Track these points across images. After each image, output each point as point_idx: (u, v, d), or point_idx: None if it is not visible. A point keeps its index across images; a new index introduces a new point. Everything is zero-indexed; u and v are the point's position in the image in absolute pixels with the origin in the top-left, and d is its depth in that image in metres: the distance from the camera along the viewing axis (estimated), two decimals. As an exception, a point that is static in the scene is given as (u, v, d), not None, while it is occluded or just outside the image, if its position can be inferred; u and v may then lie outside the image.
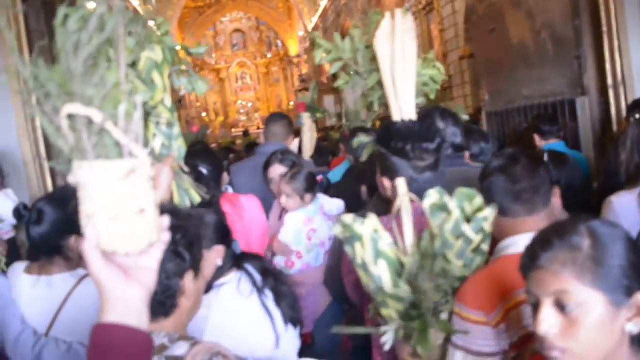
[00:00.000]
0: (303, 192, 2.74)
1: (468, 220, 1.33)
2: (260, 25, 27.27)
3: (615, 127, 3.62)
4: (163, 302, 1.23)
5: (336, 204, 2.87)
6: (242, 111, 26.85)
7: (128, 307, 0.77)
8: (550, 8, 4.19)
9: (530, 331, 1.33)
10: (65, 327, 1.83)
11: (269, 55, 27.60)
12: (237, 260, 1.83)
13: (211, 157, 2.68)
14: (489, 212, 1.32)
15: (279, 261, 2.79)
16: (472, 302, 1.42)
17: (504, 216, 1.48)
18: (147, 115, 1.57)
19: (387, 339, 1.41)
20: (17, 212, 1.98)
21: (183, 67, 1.78)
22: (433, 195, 1.35)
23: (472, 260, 1.39)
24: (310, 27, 21.22)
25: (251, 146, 6.90)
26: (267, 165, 2.96)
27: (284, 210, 2.90)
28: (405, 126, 1.72)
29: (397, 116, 1.78)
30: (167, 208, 1.17)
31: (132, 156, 0.74)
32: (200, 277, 1.33)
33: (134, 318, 0.77)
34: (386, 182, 1.73)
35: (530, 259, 1.03)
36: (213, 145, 11.75)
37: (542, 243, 1.02)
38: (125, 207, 0.73)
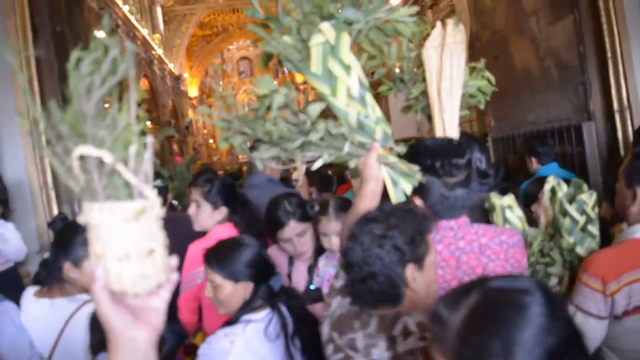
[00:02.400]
0: None
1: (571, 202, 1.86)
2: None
3: (622, 152, 3.61)
4: (387, 292, 1.31)
5: None
6: (248, 137, 26.98)
7: (136, 349, 0.77)
8: (554, 35, 4.22)
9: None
10: (64, 352, 1.85)
11: (275, 82, 27.83)
12: (273, 297, 1.81)
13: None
14: (587, 196, 1.85)
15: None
16: (594, 271, 1.72)
17: None
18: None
19: None
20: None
21: None
22: (550, 182, 1.89)
23: (582, 238, 1.87)
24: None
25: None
26: (276, 225, 2.34)
27: (296, 262, 2.43)
28: (433, 143, 1.69)
29: (439, 129, 1.74)
30: (386, 209, 1.33)
31: (142, 197, 0.74)
32: (424, 267, 1.34)
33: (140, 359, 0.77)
34: (417, 202, 1.68)
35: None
36: (220, 172, 11.78)
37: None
38: (134, 248, 0.73)
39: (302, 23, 1.40)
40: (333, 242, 2.18)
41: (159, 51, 18.49)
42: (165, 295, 0.79)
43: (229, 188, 2.62)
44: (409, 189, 1.52)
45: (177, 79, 21.68)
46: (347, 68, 1.39)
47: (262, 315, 1.76)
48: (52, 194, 3.29)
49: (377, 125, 1.46)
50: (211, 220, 2.54)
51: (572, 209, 1.89)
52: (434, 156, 1.63)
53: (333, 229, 2.18)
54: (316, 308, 2.12)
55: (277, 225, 2.32)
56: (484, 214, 2.09)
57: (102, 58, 0.75)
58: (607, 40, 3.60)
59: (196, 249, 2.55)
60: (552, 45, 4.25)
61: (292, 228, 2.30)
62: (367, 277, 1.30)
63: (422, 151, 1.65)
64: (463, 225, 1.65)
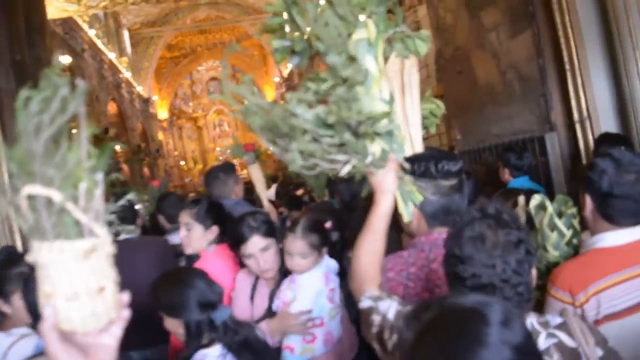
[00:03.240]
0: (320, 246, 2.15)
1: (560, 216, 1.89)
2: (236, 72, 27.56)
3: (585, 161, 3.70)
4: (529, 300, 1.28)
5: (332, 261, 2.27)
6: (220, 158, 26.82)
7: None
8: (513, 48, 4.33)
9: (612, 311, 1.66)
10: None
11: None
12: (226, 332, 1.81)
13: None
14: (575, 211, 1.88)
15: (292, 342, 2.11)
16: (561, 283, 1.70)
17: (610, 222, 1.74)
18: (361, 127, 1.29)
19: None
20: None
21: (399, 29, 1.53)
22: (537, 198, 1.86)
23: (566, 252, 1.89)
24: (285, 72, 21.55)
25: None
26: (239, 240, 2.26)
27: (258, 285, 2.33)
28: (424, 152, 1.74)
29: (408, 144, 1.78)
30: (508, 215, 1.28)
31: (92, 234, 0.74)
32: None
33: None
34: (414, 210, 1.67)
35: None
36: (191, 194, 11.66)
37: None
38: (84, 286, 0.72)
39: (342, 17, 1.37)
40: (295, 262, 2.09)
41: (127, 74, 18.37)
42: (117, 332, 0.79)
43: (218, 207, 2.62)
44: (411, 209, 1.54)
45: (146, 101, 21.55)
46: (380, 70, 1.39)
47: (217, 352, 1.75)
48: (15, 226, 3.21)
49: (397, 135, 1.45)
50: (204, 241, 2.52)
51: (560, 224, 1.93)
52: (427, 161, 1.65)
53: (297, 249, 2.08)
54: (261, 326, 2.11)
55: (240, 240, 2.24)
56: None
57: (51, 96, 0.75)
58: (564, 52, 3.70)
59: None
60: (513, 59, 4.36)
61: (255, 243, 2.21)
62: (510, 292, 1.24)
63: (414, 159, 1.65)
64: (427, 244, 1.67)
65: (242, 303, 2.31)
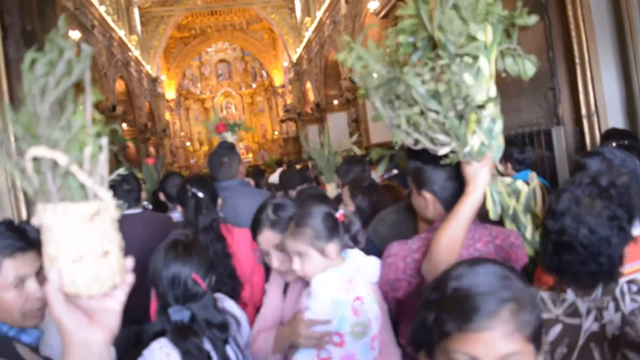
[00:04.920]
0: (324, 242, 1.69)
1: None
2: (245, 55, 27.52)
3: (590, 156, 3.69)
4: (611, 272, 1.29)
5: (373, 264, 1.81)
6: (226, 141, 26.81)
7: (90, 351, 0.77)
8: (524, 40, 4.28)
9: None
10: None
11: (254, 86, 27.80)
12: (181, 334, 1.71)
13: (205, 183, 2.65)
14: None
15: (303, 358, 1.68)
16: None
17: None
18: (466, 110, 1.46)
19: None
20: None
21: (510, 46, 1.64)
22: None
23: None
24: (294, 57, 21.45)
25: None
26: (254, 231, 1.95)
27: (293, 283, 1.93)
28: None
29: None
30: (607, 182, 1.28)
31: (97, 198, 0.74)
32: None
33: None
34: (427, 195, 1.73)
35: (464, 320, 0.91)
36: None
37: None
38: (88, 249, 0.73)
39: (465, 20, 1.50)
40: (295, 264, 1.71)
41: (136, 53, 18.32)
42: (121, 297, 0.79)
43: None
44: (498, 209, 1.65)
45: (155, 81, 21.51)
46: (490, 73, 1.52)
47: (161, 345, 1.69)
48: (21, 195, 3.23)
49: (497, 136, 1.54)
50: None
51: None
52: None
53: (293, 247, 1.72)
54: (269, 335, 1.81)
55: (254, 231, 1.94)
56: None
57: (57, 59, 0.75)
58: (575, 46, 3.67)
59: None
60: (523, 50, 4.32)
61: (267, 237, 1.89)
62: (588, 258, 1.26)
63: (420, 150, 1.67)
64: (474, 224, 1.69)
65: (273, 301, 1.96)
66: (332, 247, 1.69)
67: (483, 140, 1.49)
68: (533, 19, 1.54)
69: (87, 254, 0.73)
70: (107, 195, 0.75)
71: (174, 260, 1.79)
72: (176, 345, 1.66)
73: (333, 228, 1.70)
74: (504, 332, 0.86)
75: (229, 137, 4.38)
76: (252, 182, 4.94)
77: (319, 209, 1.74)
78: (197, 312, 1.76)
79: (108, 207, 0.75)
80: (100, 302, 0.78)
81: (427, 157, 1.63)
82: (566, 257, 1.27)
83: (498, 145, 1.55)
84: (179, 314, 1.73)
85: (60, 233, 0.73)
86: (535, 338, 0.91)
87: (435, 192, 1.71)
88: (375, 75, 1.58)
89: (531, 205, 1.78)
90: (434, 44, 1.58)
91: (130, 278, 0.80)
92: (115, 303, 0.79)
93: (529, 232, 1.79)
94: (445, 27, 1.48)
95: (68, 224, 0.72)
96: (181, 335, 1.69)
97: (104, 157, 0.76)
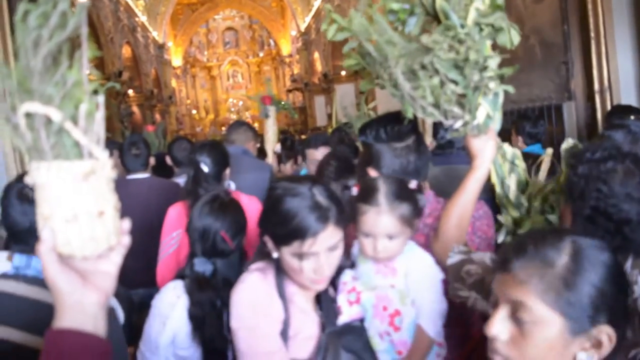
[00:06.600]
0: (412, 218, 1.48)
1: None
2: (252, 24, 27.17)
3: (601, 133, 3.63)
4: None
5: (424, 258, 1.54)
6: (232, 109, 26.73)
7: (84, 312, 0.75)
8: (539, 13, 4.20)
9: None
10: None
11: (261, 54, 27.51)
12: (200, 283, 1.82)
13: (216, 152, 2.62)
14: None
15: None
16: None
17: None
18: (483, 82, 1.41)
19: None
20: None
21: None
22: (569, 142, 1.72)
23: None
24: (303, 27, 21.18)
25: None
26: (297, 231, 1.31)
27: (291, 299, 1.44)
28: (384, 114, 1.74)
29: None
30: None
31: (92, 157, 0.72)
32: None
33: (89, 324, 0.75)
34: (372, 173, 1.69)
35: (502, 260, 0.96)
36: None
37: (517, 248, 0.94)
38: (83, 209, 0.71)
39: None
40: (381, 246, 1.44)
41: (143, 18, 18.12)
42: (117, 259, 0.77)
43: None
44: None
45: (161, 47, 21.33)
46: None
47: (175, 289, 1.80)
48: (26, 157, 3.22)
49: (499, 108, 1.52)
50: None
51: None
52: (378, 125, 1.69)
53: (385, 227, 1.44)
54: None
55: (301, 231, 1.33)
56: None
57: (51, 11, 0.71)
58: (591, 20, 3.59)
59: (175, 212, 2.52)
60: (537, 23, 4.23)
61: (325, 237, 1.33)
62: (623, 224, 1.22)
63: (366, 125, 1.72)
64: (429, 199, 1.64)
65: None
66: (416, 222, 1.51)
67: (489, 111, 1.45)
68: None
69: (81, 214, 0.71)
70: (102, 154, 0.72)
71: (208, 214, 1.88)
72: (190, 294, 1.76)
73: (416, 202, 1.50)
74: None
75: (272, 110, 4.43)
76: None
77: (402, 181, 1.52)
78: (219, 268, 1.84)
79: (104, 166, 0.72)
80: (95, 264, 0.76)
81: (371, 135, 1.67)
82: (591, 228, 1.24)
83: (499, 117, 1.51)
84: (202, 265, 1.82)
85: (54, 192, 0.70)
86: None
87: (378, 167, 1.68)
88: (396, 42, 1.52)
89: (519, 169, 1.77)
90: (426, 11, 1.53)
91: (127, 240, 0.78)
92: (111, 265, 0.77)
93: (512, 193, 1.76)
94: None
95: (62, 182, 0.70)
96: (199, 285, 1.78)
97: (100, 115, 0.73)
